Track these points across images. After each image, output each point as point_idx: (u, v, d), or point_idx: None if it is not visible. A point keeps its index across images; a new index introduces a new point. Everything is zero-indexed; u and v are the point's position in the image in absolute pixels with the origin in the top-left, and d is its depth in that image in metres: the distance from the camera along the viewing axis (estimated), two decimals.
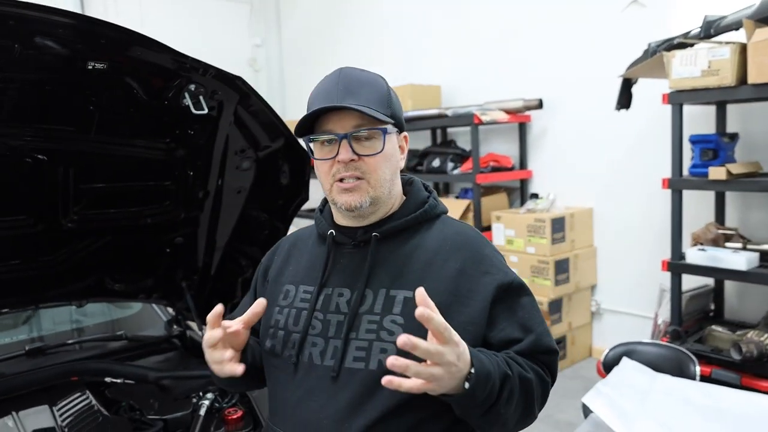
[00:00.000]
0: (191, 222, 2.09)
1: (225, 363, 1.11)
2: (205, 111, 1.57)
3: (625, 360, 2.25)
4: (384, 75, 1.20)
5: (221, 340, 1.10)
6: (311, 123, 1.13)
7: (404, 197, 1.23)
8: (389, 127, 1.13)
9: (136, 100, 1.54)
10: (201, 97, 1.56)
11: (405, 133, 1.22)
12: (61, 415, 1.77)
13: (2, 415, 1.76)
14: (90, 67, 1.36)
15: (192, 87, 1.54)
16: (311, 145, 1.15)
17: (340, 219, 1.22)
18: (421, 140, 5.28)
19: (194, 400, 1.89)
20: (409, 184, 1.26)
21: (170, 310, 2.46)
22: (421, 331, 1.01)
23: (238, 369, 1.09)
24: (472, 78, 4.87)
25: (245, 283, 2.24)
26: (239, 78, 1.56)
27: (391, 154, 1.14)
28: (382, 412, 1.03)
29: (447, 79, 5.08)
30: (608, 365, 2.31)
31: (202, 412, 1.82)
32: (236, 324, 1.11)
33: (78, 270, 2.01)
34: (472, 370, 0.95)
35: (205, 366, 2.05)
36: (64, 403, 1.84)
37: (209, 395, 1.91)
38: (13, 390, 1.92)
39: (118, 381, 2.02)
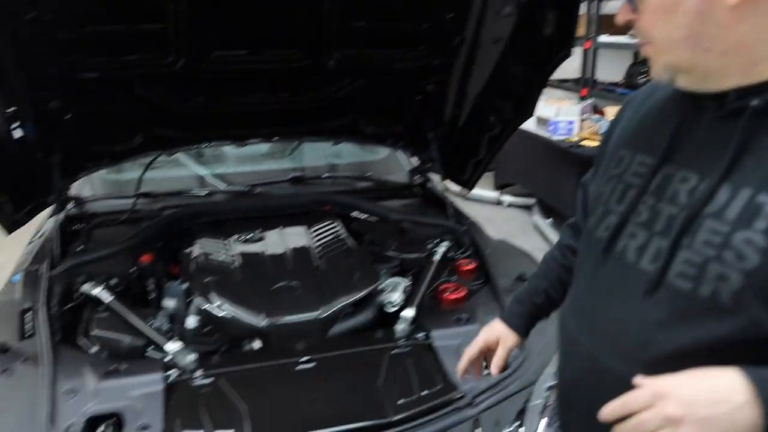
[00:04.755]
0: (444, 69, 2.05)
1: None
2: None
3: None
4: None
5: None
6: None
7: None
8: None
9: None
10: None
11: None
12: (314, 238, 1.98)
13: (273, 227, 2.03)
14: None
15: None
16: None
17: None
18: None
19: (429, 246, 1.95)
20: None
21: (413, 160, 2.53)
22: None
23: None
24: None
25: (491, 141, 2.16)
26: None
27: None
28: (697, 345, 0.76)
29: None
30: None
31: (437, 257, 1.87)
32: None
33: (336, 108, 2.14)
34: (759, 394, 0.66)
35: (443, 216, 2.14)
36: (318, 227, 2.04)
37: (445, 243, 1.95)
38: (279, 209, 2.19)
39: (363, 217, 2.17)
